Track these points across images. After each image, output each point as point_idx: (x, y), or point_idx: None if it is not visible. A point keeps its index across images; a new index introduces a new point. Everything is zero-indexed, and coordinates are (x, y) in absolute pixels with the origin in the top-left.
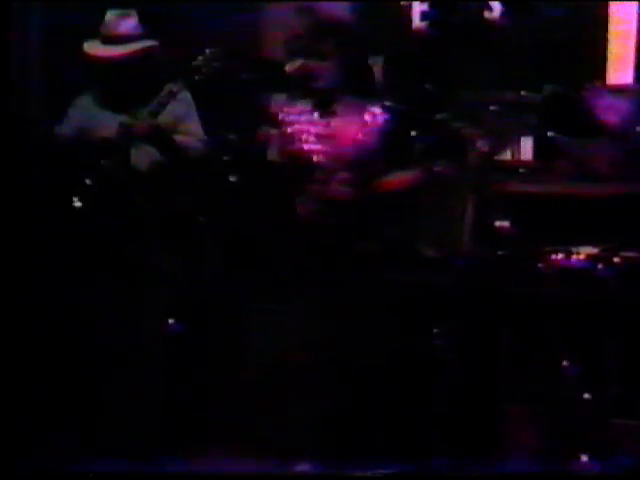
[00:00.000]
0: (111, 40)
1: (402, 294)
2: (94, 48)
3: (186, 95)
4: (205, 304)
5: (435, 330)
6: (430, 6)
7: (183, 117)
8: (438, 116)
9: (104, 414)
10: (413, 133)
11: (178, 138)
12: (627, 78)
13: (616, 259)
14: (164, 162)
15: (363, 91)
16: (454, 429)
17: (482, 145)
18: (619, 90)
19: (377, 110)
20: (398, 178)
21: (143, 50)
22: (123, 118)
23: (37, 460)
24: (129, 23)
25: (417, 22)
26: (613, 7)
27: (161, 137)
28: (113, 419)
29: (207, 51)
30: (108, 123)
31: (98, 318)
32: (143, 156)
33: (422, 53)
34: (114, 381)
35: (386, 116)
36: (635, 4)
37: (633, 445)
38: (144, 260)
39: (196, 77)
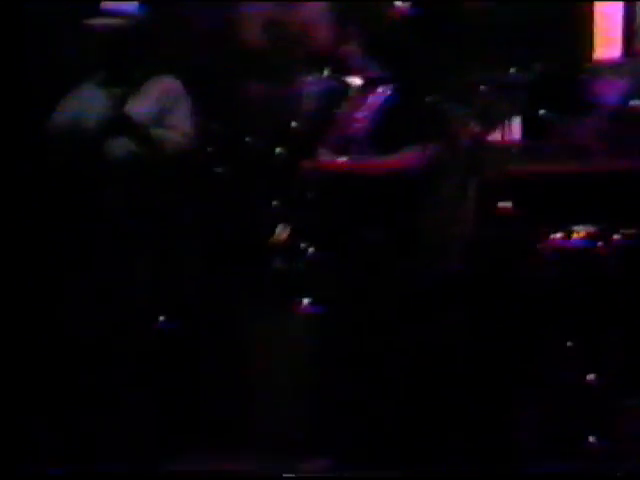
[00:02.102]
0: (109, 14)
1: (407, 282)
2: (93, 20)
3: (177, 87)
4: (194, 304)
5: (442, 317)
6: None
7: (170, 109)
8: (428, 98)
9: (98, 416)
10: (403, 116)
11: (159, 131)
12: (615, 53)
13: (615, 236)
14: (141, 155)
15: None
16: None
17: (474, 126)
18: (609, 66)
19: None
20: (394, 159)
21: (139, 29)
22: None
23: (36, 462)
24: (129, 2)
25: (399, 2)
26: None
27: (129, 129)
28: (108, 420)
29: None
30: (96, 111)
31: (84, 318)
32: (119, 149)
33: (406, 35)
34: (108, 381)
35: (377, 97)
36: None
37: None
38: (130, 256)
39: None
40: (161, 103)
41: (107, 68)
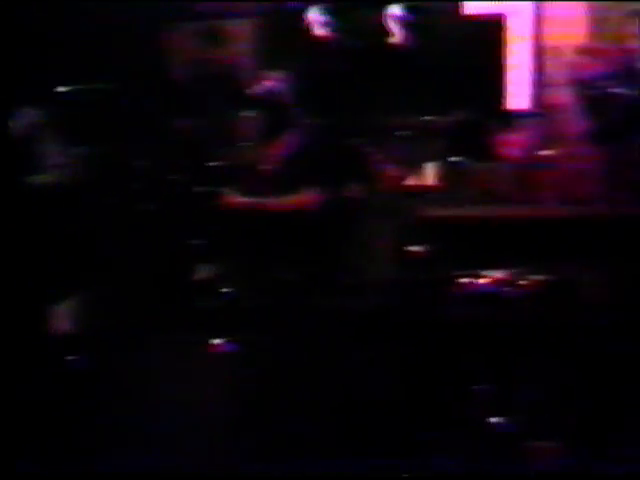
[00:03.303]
0: None
1: (323, 320)
2: None
3: (39, 118)
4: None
5: (356, 355)
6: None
7: (36, 140)
8: (347, 141)
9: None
10: (322, 157)
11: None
12: (524, 104)
13: (523, 282)
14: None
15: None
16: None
17: (391, 170)
18: (520, 115)
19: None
20: (300, 198)
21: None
22: None
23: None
24: None
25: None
26: (510, 36)
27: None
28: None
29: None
30: None
31: None
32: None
33: (327, 79)
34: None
35: (296, 139)
36: (529, 32)
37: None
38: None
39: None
40: (28, 134)
41: None
